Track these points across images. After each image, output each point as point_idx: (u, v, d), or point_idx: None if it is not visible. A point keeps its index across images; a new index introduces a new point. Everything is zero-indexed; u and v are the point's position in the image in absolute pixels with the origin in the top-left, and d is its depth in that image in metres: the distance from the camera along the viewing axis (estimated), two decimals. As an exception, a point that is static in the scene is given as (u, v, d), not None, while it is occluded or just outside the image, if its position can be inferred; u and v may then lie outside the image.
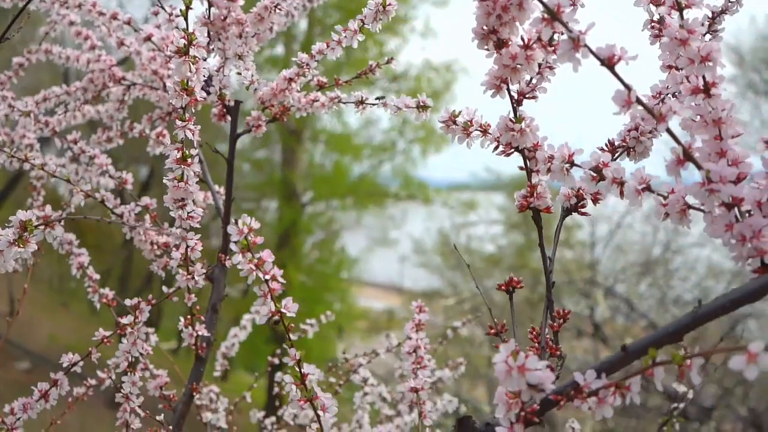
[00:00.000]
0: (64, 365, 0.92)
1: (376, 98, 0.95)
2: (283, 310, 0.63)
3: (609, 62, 0.51)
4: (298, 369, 0.65)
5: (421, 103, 0.83)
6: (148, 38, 1.06)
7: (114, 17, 1.11)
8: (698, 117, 0.54)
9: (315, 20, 9.09)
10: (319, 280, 11.10)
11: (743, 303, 0.49)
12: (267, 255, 0.63)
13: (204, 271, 0.91)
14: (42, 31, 1.32)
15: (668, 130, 0.51)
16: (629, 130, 0.69)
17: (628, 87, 0.51)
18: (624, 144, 0.69)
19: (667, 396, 5.84)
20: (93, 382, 1.13)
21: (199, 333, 0.97)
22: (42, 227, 0.68)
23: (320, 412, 0.65)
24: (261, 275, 0.62)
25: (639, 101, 0.51)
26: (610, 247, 6.84)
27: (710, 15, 0.74)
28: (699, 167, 0.52)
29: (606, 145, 0.70)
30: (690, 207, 0.54)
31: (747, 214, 0.52)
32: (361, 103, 0.95)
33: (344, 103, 0.97)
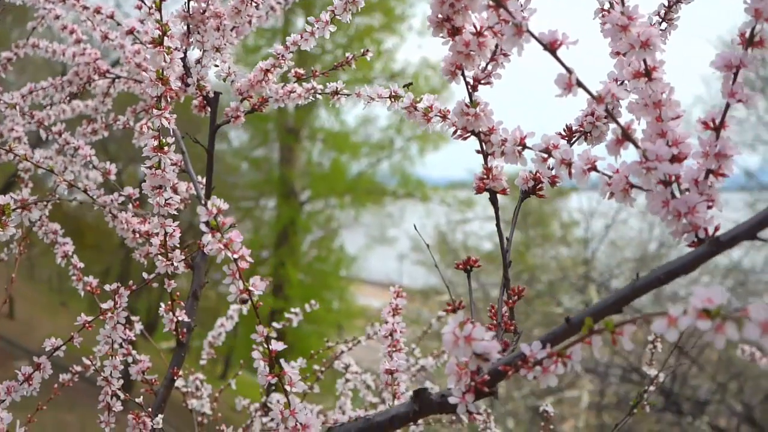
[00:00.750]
0: (47, 350, 0.95)
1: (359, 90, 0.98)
2: (251, 288, 0.66)
3: (551, 47, 0.53)
4: (266, 346, 0.68)
5: (393, 93, 0.85)
6: (131, 32, 1.09)
7: (97, 11, 1.14)
8: (641, 100, 0.57)
9: (314, 14, 9.08)
10: (317, 279, 11.13)
11: (678, 275, 0.52)
12: (235, 235, 0.66)
13: (183, 257, 0.94)
14: (29, 26, 1.34)
15: (607, 111, 0.54)
16: (586, 116, 0.71)
17: (569, 70, 0.53)
18: (581, 129, 0.72)
19: (660, 391, 5.87)
20: (78, 368, 1.15)
21: (180, 319, 1.00)
22: (19, 210, 0.70)
23: (287, 387, 0.67)
24: (229, 254, 0.65)
25: (579, 84, 0.53)
26: (605, 243, 6.87)
27: (666, 3, 0.76)
28: (637, 146, 0.54)
29: (564, 130, 0.72)
30: (633, 186, 0.57)
31: (686, 192, 0.55)
32: (335, 93, 0.97)
33: (320, 94, 0.99)
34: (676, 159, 0.55)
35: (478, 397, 0.58)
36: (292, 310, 1.46)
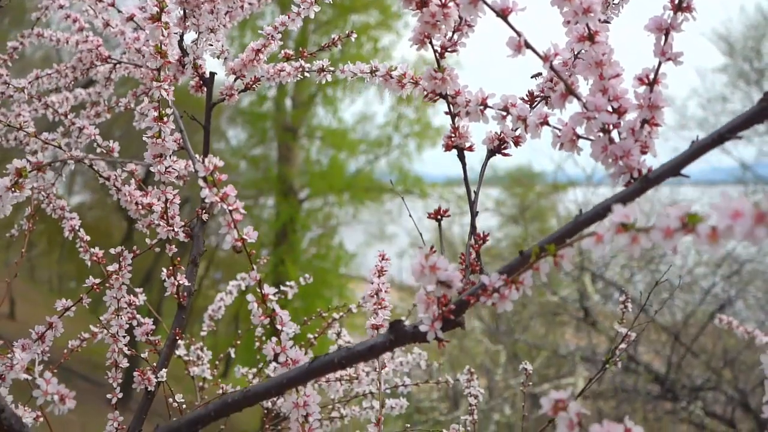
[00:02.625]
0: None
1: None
2: (244, 237, 0.74)
3: (503, 13, 0.61)
4: (259, 289, 0.76)
5: (374, 68, 0.93)
6: (131, 18, 1.16)
7: (99, 0, 1.21)
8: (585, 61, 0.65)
9: (306, 19, 9.16)
10: (317, 276, 11.19)
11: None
12: (230, 189, 0.73)
13: (182, 222, 1.02)
14: (33, 16, 1.42)
15: (552, 68, 0.61)
16: (546, 82, 0.79)
17: (519, 33, 0.61)
18: (542, 94, 0.79)
19: (654, 378, 5.91)
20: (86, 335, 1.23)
21: (181, 283, 1.07)
22: (35, 172, 0.78)
23: (279, 327, 0.75)
24: (225, 206, 0.72)
25: (528, 45, 0.61)
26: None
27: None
28: (579, 99, 0.62)
29: (526, 95, 0.80)
30: (578, 137, 0.65)
31: (624, 139, 0.63)
32: (322, 70, 1.05)
33: (307, 72, 1.07)
34: (617, 112, 0.63)
35: (445, 326, 0.66)
36: (288, 283, 1.53)
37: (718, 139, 0.55)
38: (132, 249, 1.04)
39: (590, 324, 5.85)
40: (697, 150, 0.56)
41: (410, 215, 1.18)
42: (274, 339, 0.76)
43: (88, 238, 1.22)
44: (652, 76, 0.63)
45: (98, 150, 1.20)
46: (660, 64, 0.62)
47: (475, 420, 1.19)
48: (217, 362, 1.48)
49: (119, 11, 1.21)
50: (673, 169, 0.57)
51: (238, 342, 1.56)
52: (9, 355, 0.73)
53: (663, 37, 0.62)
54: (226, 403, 0.69)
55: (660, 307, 1.21)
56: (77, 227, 1.22)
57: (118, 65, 1.31)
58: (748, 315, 6.91)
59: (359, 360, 0.69)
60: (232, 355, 1.54)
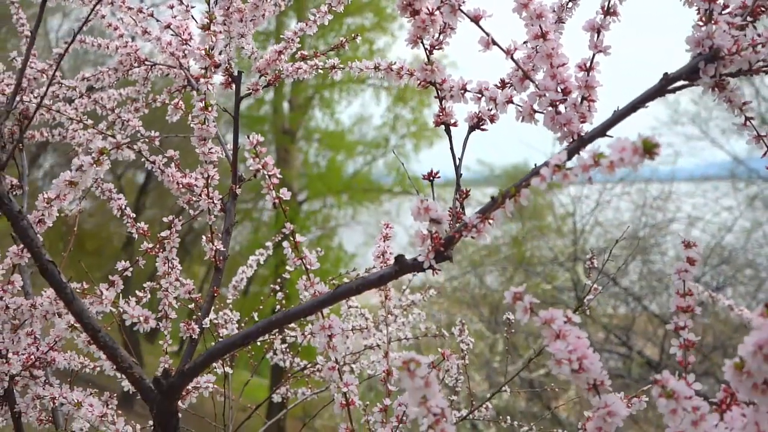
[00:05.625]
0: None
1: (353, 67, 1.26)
2: (281, 195, 0.95)
3: (475, 19, 0.82)
4: (293, 238, 0.97)
5: (377, 64, 1.14)
6: (168, 26, 1.37)
7: (140, 11, 1.42)
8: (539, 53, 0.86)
9: (304, 16, 9.39)
10: (317, 277, 11.38)
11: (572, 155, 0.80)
12: (269, 159, 0.94)
13: (221, 196, 1.22)
14: (76, 26, 1.63)
15: (513, 60, 0.83)
16: (512, 70, 1.00)
17: (487, 34, 0.82)
18: (510, 81, 1.00)
19: (647, 363, 6.11)
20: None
21: (218, 248, 1.28)
22: (114, 150, 0.99)
23: (308, 266, 0.96)
24: (265, 172, 0.93)
25: (494, 42, 0.82)
26: (594, 225, 7.18)
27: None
28: (533, 81, 0.83)
29: (499, 81, 1.01)
30: (535, 111, 0.86)
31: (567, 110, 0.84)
32: (333, 68, 1.26)
33: (321, 69, 1.28)
34: (564, 92, 0.84)
35: (437, 258, 0.86)
36: (288, 268, 1.74)
37: (630, 108, 0.76)
38: (173, 220, 1.25)
39: (585, 313, 6.05)
40: (617, 117, 0.77)
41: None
42: (304, 277, 0.97)
43: (134, 215, 1.42)
44: (588, 65, 0.84)
45: (141, 140, 1.41)
46: (594, 55, 0.83)
47: (465, 363, 1.40)
48: (243, 324, 1.69)
49: (158, 20, 1.42)
50: (601, 132, 0.78)
51: (261, 307, 1.77)
52: (98, 292, 0.94)
53: (596, 35, 0.83)
54: (270, 321, 0.90)
55: (623, 264, 1.41)
56: (124, 206, 1.42)
57: (153, 66, 1.52)
58: (738, 303, 7.14)
59: (372, 286, 0.90)
60: (256, 318, 1.75)
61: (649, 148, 0.60)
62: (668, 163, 8.69)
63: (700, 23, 0.76)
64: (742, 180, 9.06)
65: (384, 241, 1.29)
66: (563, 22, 0.99)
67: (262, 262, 1.78)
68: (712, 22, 0.76)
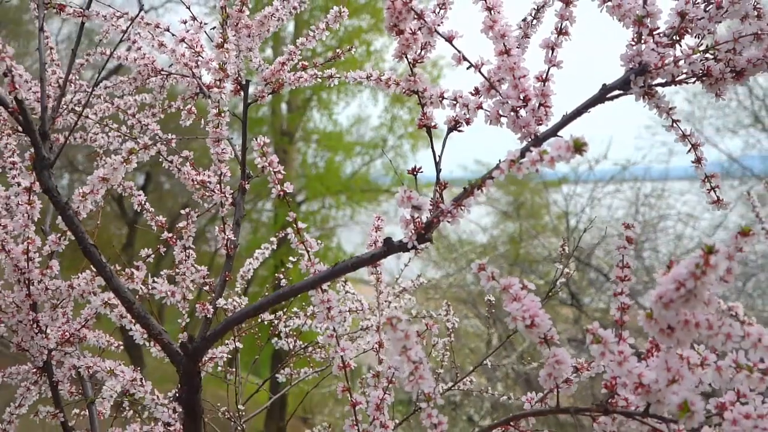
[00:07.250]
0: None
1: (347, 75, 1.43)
2: (284, 189, 1.11)
3: (449, 39, 0.98)
4: (295, 225, 1.13)
5: (369, 74, 1.30)
6: (182, 40, 1.53)
7: (157, 26, 1.58)
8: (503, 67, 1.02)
9: (301, 23, 9.57)
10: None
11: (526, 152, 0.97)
12: (275, 158, 1.10)
13: (232, 191, 1.39)
14: (97, 39, 1.79)
15: (480, 72, 0.99)
16: (482, 81, 1.16)
17: (459, 51, 0.98)
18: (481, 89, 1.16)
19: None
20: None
21: (229, 237, 1.44)
22: (142, 150, 1.15)
23: (309, 248, 1.12)
24: (271, 169, 1.09)
25: (464, 58, 0.98)
26: (587, 222, 7.35)
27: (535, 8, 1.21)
28: (497, 91, 0.99)
29: (473, 89, 1.17)
30: (500, 115, 1.02)
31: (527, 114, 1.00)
32: (331, 77, 1.43)
33: (320, 78, 1.45)
34: (524, 99, 1.00)
35: (419, 239, 1.03)
36: (291, 259, 1.91)
37: (575, 113, 0.93)
38: (190, 212, 1.41)
39: (578, 308, 6.23)
40: (566, 120, 0.94)
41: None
42: (306, 257, 1.13)
43: (152, 210, 1.59)
44: (544, 76, 1.00)
45: (160, 142, 1.57)
46: (549, 69, 1.00)
47: (452, 340, 1.56)
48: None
49: (173, 35, 1.58)
50: (552, 132, 0.95)
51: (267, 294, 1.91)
52: (128, 272, 1.10)
53: (550, 51, 0.99)
54: (278, 295, 1.06)
55: (598, 242, 1.57)
56: (143, 202, 1.59)
57: (169, 76, 1.68)
58: (726, 297, 7.32)
59: (365, 264, 1.06)
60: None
61: (579, 146, 0.76)
62: (662, 162, 8.88)
63: (632, 42, 0.93)
64: (735, 178, 9.25)
65: (376, 231, 1.46)
66: (528, 37, 1.15)
67: (267, 255, 1.95)
68: (642, 41, 0.92)
